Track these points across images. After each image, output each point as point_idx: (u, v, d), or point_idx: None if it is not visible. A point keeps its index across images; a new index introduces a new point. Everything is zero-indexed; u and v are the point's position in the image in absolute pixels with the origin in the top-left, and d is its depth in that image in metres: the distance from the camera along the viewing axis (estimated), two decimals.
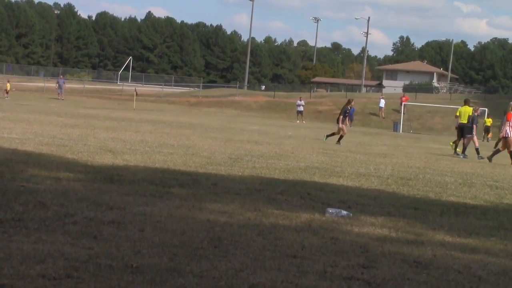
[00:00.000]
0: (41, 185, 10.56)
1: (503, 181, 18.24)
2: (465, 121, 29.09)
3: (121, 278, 5.88)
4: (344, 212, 9.99)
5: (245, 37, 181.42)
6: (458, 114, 29.72)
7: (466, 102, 30.18)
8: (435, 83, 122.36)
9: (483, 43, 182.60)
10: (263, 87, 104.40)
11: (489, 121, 58.57)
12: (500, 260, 7.94)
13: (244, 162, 17.18)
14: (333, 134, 31.24)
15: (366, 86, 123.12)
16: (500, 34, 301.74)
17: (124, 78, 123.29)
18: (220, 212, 9.44)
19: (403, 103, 67.17)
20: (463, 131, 29.10)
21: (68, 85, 71.88)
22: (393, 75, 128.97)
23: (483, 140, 55.38)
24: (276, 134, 34.97)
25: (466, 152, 28.26)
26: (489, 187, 16.00)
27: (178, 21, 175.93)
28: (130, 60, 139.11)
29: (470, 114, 29.10)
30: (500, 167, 23.67)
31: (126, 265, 6.27)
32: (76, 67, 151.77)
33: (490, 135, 58.35)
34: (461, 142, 29.41)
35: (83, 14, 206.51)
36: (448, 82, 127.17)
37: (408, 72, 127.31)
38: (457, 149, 29.40)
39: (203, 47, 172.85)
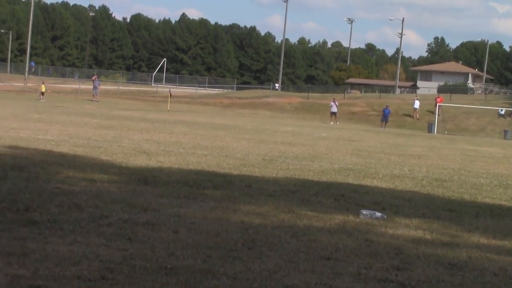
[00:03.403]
0: (76, 186, 10.64)
1: None
2: None
3: (155, 280, 5.90)
4: (378, 214, 9.96)
5: (278, 38, 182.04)
6: None
7: None
8: (470, 84, 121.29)
9: None
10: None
11: None
12: None
13: (278, 163, 17.17)
14: None
15: (400, 87, 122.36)
16: None
17: (158, 80, 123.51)
18: (254, 213, 9.45)
19: (437, 104, 66.68)
20: None
21: (102, 87, 72.23)
22: (427, 76, 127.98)
23: None
24: (310, 136, 34.91)
25: None
26: None
27: (212, 22, 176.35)
28: (164, 61, 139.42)
29: None
30: None
31: (160, 267, 6.30)
32: (110, 68, 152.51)
33: None
34: None
35: (118, 16, 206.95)
36: (483, 83, 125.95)
37: (442, 73, 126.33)
38: None
39: (237, 49, 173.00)
